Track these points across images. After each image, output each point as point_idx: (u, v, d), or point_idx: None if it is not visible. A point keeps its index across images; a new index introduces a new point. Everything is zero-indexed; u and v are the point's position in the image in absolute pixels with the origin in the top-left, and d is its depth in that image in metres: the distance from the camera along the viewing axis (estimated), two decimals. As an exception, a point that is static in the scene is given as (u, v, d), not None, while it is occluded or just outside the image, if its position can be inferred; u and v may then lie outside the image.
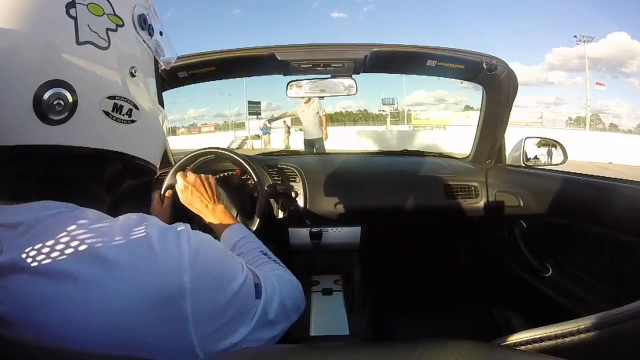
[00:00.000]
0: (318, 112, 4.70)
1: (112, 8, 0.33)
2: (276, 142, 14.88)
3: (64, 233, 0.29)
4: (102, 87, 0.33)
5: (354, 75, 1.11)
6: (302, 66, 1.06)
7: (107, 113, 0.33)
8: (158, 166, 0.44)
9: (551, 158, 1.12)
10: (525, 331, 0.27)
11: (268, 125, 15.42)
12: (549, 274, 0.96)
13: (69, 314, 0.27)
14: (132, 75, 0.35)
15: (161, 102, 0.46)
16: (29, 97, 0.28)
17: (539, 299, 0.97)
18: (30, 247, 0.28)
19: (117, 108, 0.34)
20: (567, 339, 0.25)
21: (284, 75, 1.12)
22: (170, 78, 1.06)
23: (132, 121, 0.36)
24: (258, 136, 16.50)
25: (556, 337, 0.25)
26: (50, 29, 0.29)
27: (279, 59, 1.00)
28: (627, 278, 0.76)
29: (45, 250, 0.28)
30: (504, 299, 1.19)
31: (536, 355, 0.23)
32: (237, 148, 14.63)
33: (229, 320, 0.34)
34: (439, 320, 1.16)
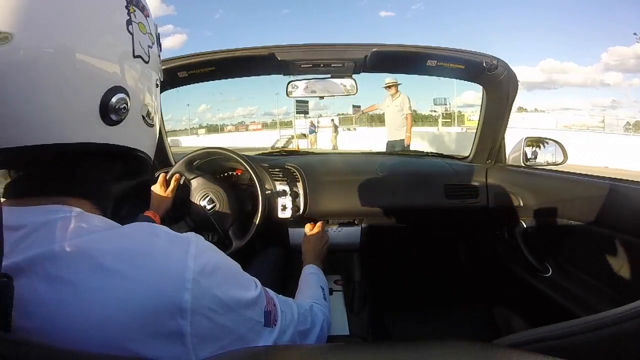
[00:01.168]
0: (402, 109, 3.87)
1: (149, 27, 0.38)
2: (323, 141, 14.40)
3: (66, 238, 0.29)
4: (144, 95, 0.37)
5: (354, 75, 1.11)
6: (302, 66, 1.06)
7: (143, 117, 0.37)
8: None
9: (551, 158, 1.12)
10: (525, 331, 0.27)
11: (315, 124, 15.11)
12: (549, 274, 0.96)
13: (65, 321, 0.27)
14: (157, 86, 0.41)
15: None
16: (97, 100, 0.31)
17: (539, 299, 0.97)
18: (32, 251, 0.28)
19: (147, 114, 0.38)
20: (567, 339, 0.25)
21: (284, 75, 1.12)
22: (170, 78, 1.06)
23: (153, 125, 0.40)
24: (304, 135, 16.13)
25: (556, 337, 0.25)
26: (117, 42, 0.33)
27: (279, 59, 1.00)
28: (627, 278, 0.76)
29: (46, 254, 0.28)
30: (504, 299, 1.19)
31: (536, 355, 0.23)
32: (282, 147, 14.28)
33: (232, 342, 0.33)
34: (439, 320, 1.16)
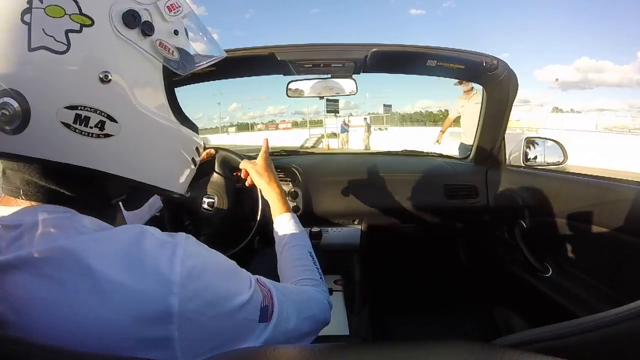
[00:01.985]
0: None
1: (79, 7, 0.30)
2: (355, 141, 13.65)
3: (57, 239, 0.29)
4: (58, 95, 0.30)
5: (354, 75, 1.11)
6: (302, 66, 1.06)
7: (67, 125, 0.30)
8: (181, 191, 0.42)
9: (551, 158, 1.12)
10: (525, 331, 0.27)
11: (347, 123, 14.49)
12: (549, 274, 0.96)
13: (55, 320, 0.27)
14: (104, 81, 0.31)
15: (181, 114, 0.41)
16: None
17: (539, 299, 0.96)
18: (24, 249, 0.28)
19: (81, 120, 0.30)
20: (567, 339, 0.25)
21: (284, 75, 1.12)
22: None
23: (107, 135, 0.32)
24: (335, 134, 15.70)
25: (556, 337, 0.25)
26: (1, 38, 0.28)
27: (279, 59, 1.00)
28: (627, 278, 0.76)
29: (38, 254, 0.28)
30: (504, 299, 1.19)
31: (536, 355, 0.23)
32: (311, 146, 13.88)
33: (224, 343, 0.33)
34: (439, 320, 1.16)
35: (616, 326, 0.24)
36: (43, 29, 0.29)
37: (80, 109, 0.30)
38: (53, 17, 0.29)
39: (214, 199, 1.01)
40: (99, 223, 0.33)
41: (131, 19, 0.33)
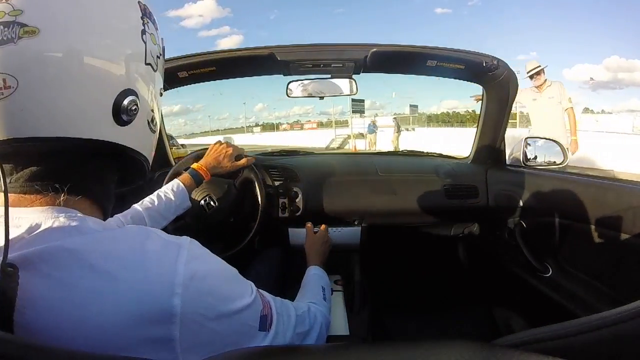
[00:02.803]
0: (560, 102, 2.81)
1: (158, 39, 0.40)
2: (383, 142, 12.98)
3: (60, 238, 0.29)
4: (150, 101, 0.39)
5: (354, 75, 1.11)
6: (302, 66, 1.06)
7: (148, 123, 0.39)
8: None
9: (551, 158, 1.12)
10: (525, 331, 0.27)
11: (375, 123, 13.87)
12: (549, 274, 0.96)
13: (59, 319, 0.27)
14: (161, 95, 0.43)
15: None
16: (111, 99, 0.33)
17: (539, 299, 0.96)
18: (28, 248, 0.28)
19: (151, 119, 0.40)
20: (567, 339, 0.25)
21: (284, 75, 1.12)
22: (170, 78, 1.06)
23: (155, 131, 0.42)
24: (362, 135, 15.21)
25: (556, 337, 0.25)
26: (132, 48, 0.36)
27: (279, 59, 1.00)
28: (627, 278, 0.76)
29: (41, 253, 0.28)
30: (504, 299, 1.19)
31: (536, 355, 0.23)
32: (337, 147, 13.70)
33: (224, 347, 0.33)
34: (439, 320, 1.16)
35: (616, 326, 0.24)
36: (150, 51, 0.38)
37: (154, 112, 0.40)
38: (153, 43, 0.38)
39: (213, 199, 1.01)
40: (103, 223, 0.34)
41: (164, 51, 0.44)
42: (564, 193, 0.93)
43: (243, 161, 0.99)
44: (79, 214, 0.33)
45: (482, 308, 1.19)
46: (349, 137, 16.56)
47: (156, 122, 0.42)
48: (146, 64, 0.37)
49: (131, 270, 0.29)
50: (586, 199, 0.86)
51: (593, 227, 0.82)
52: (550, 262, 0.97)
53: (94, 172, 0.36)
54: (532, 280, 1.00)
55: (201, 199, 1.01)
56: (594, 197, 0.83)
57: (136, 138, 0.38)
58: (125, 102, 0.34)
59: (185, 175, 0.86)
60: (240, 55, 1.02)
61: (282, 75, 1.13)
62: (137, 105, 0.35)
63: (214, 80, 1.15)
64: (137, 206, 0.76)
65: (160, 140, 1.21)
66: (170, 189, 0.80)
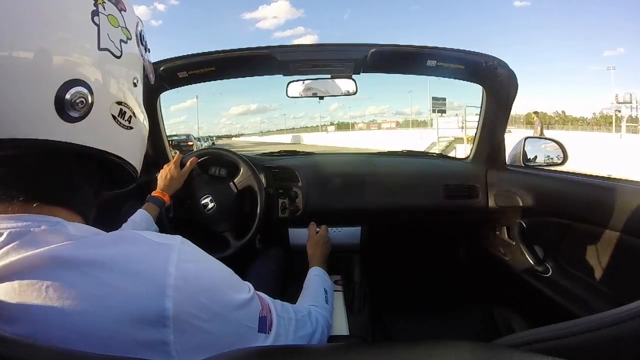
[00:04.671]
0: None
1: (125, 22, 0.36)
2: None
3: (42, 246, 0.28)
4: (113, 92, 0.34)
5: (354, 75, 1.11)
6: (302, 66, 1.06)
7: (114, 117, 0.35)
8: (139, 168, 0.43)
9: (551, 158, 1.12)
10: (525, 331, 0.27)
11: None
12: (549, 274, 0.96)
13: (47, 327, 0.27)
14: (135, 85, 0.38)
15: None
16: (52, 93, 0.29)
17: (539, 299, 0.96)
18: (8, 258, 0.28)
19: (122, 114, 0.35)
20: (567, 339, 0.25)
21: (284, 75, 1.12)
22: (170, 78, 1.06)
23: (130, 128, 0.37)
24: (461, 139, 12.38)
25: (556, 337, 0.25)
26: (77, 32, 0.31)
27: (279, 59, 1.00)
28: (627, 278, 0.76)
29: (23, 262, 0.28)
30: (504, 299, 1.19)
31: (536, 355, 0.23)
32: (441, 150, 11.18)
33: (222, 349, 0.32)
34: (439, 320, 1.16)
35: (616, 326, 0.24)
36: (108, 34, 0.33)
37: (123, 105, 0.36)
38: (113, 25, 0.34)
39: (214, 200, 1.01)
40: (86, 229, 0.33)
41: (142, 37, 0.40)
42: (564, 193, 0.93)
43: (187, 165, 1.01)
44: (61, 220, 0.32)
45: (482, 308, 1.19)
46: (454, 140, 13.78)
47: (132, 117, 0.37)
48: (100, 49, 0.32)
49: (120, 273, 0.29)
50: (586, 199, 0.86)
51: (593, 227, 0.82)
52: (550, 262, 0.97)
53: (65, 176, 0.34)
54: (532, 280, 1.00)
55: (202, 199, 1.01)
56: (593, 197, 0.83)
57: (100, 136, 0.33)
58: (68, 95, 0.30)
59: (147, 203, 0.90)
60: (240, 55, 1.02)
61: (288, 76, 1.13)
62: (84, 98, 0.31)
63: (214, 80, 1.15)
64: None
65: (158, 140, 1.21)
66: (138, 218, 0.85)
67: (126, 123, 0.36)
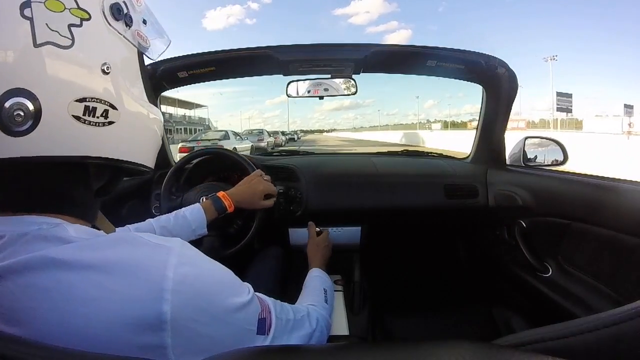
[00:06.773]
0: None
1: (76, 1, 0.31)
2: None
3: (42, 248, 0.28)
4: (69, 90, 0.30)
5: (354, 75, 1.12)
6: (302, 66, 1.06)
7: (77, 118, 0.30)
8: (152, 165, 0.42)
9: (551, 158, 1.12)
10: (525, 331, 0.27)
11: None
12: (549, 274, 0.96)
13: (44, 329, 0.27)
14: (105, 73, 0.32)
15: (154, 100, 0.43)
16: None
17: (539, 299, 0.96)
18: (9, 260, 0.28)
19: (90, 111, 0.31)
20: (567, 339, 0.25)
21: (284, 75, 1.12)
22: (170, 78, 1.06)
23: (110, 122, 0.33)
24: None
25: (556, 337, 0.25)
26: (3, 34, 0.27)
27: (279, 59, 1.00)
28: (627, 278, 0.75)
29: (23, 263, 0.28)
30: (504, 299, 1.19)
31: (536, 355, 0.23)
32: None
33: (221, 352, 0.32)
34: (439, 320, 1.16)
35: (616, 326, 0.24)
36: (47, 24, 0.28)
37: (89, 101, 0.31)
38: (54, 11, 0.29)
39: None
40: (87, 231, 0.33)
41: (117, 11, 0.34)
42: (564, 193, 0.93)
43: (270, 202, 0.94)
44: (62, 223, 0.32)
45: (482, 308, 1.19)
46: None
47: (110, 109, 0.32)
48: (38, 45, 0.28)
49: (118, 277, 0.28)
50: (586, 199, 0.85)
51: (593, 227, 0.82)
52: (550, 262, 0.97)
53: (46, 184, 0.33)
54: (532, 280, 1.00)
55: (202, 200, 1.01)
56: (593, 197, 0.83)
57: (64, 142, 0.30)
58: (4, 108, 0.27)
59: (208, 202, 0.82)
60: (240, 55, 1.02)
61: (290, 76, 1.13)
62: (22, 108, 0.27)
63: (214, 80, 1.15)
64: (152, 221, 0.74)
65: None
66: (190, 212, 0.77)
67: (99, 120, 0.32)
